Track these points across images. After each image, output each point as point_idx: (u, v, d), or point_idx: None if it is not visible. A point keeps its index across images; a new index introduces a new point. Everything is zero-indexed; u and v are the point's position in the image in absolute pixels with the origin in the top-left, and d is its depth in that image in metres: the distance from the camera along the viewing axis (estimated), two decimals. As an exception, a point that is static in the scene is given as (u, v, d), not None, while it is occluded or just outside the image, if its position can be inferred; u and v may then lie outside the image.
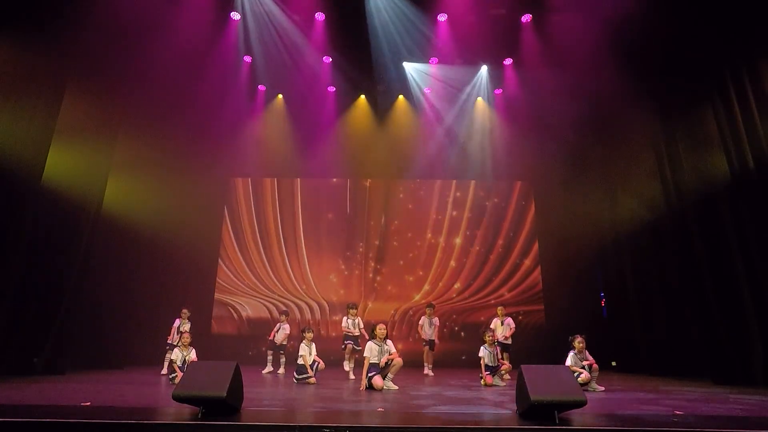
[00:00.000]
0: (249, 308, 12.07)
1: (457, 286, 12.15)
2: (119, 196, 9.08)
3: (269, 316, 11.83)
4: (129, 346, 9.58)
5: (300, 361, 6.77)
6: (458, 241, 12.48)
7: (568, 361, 6.12)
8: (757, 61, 6.79)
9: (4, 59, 6.68)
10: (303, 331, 7.11)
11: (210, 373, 3.62)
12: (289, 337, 8.85)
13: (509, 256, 12.34)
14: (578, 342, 6.20)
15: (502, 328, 8.33)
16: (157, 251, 10.68)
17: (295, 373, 6.79)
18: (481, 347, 6.89)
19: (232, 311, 12.04)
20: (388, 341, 6.29)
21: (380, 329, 6.27)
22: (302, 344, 6.93)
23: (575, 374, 5.78)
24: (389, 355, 6.15)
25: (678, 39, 7.81)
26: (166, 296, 10.78)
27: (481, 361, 6.82)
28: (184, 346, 6.69)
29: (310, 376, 6.68)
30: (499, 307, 8.78)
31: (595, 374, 6.08)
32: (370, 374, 5.99)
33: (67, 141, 7.59)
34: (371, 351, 6.14)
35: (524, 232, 12.51)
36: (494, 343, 7.01)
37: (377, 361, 6.10)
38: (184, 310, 8.49)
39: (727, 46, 7.20)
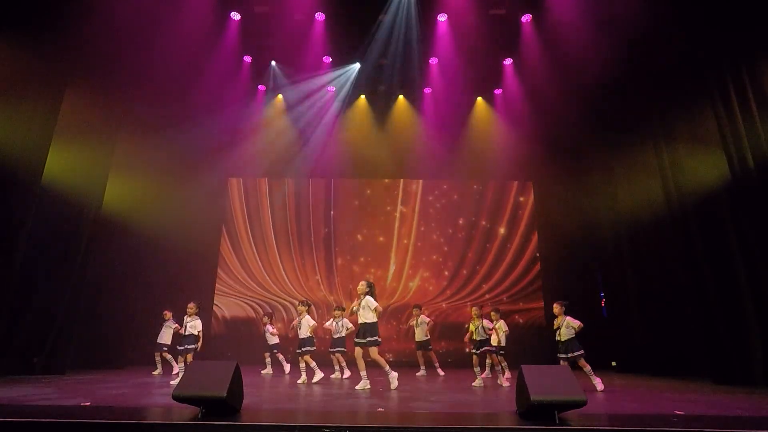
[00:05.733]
0: (249, 308, 12.07)
1: (456, 286, 12.14)
2: (119, 196, 9.09)
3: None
4: (129, 346, 9.58)
5: (301, 334, 6.93)
6: (458, 241, 12.47)
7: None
8: (758, 60, 6.78)
9: (4, 60, 6.68)
10: (299, 305, 7.27)
11: (210, 373, 3.62)
12: (279, 336, 8.90)
13: (509, 256, 12.34)
14: (554, 307, 6.32)
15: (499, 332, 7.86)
16: (157, 251, 10.68)
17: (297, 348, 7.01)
18: (470, 322, 6.98)
19: (233, 311, 12.04)
20: (368, 297, 5.97)
21: (360, 285, 6.06)
22: (297, 318, 7.14)
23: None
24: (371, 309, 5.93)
25: (678, 38, 7.81)
26: (166, 296, 10.76)
27: (467, 335, 6.93)
28: (192, 315, 7.08)
29: (307, 350, 6.89)
30: (492, 311, 8.00)
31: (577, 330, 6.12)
32: (357, 339, 5.95)
33: (67, 141, 7.60)
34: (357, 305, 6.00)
35: (524, 231, 12.51)
36: (480, 317, 7.00)
37: (364, 321, 5.91)
38: (166, 312, 8.53)
39: (728, 45, 7.19)
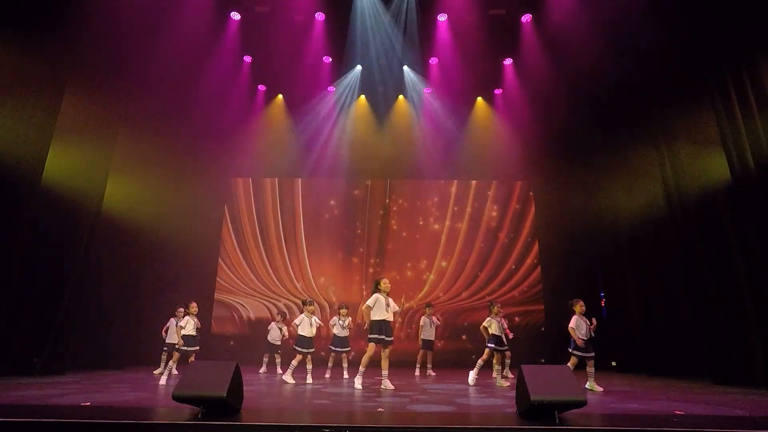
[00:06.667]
0: (249, 308, 12.06)
1: (457, 286, 12.14)
2: (119, 196, 9.09)
3: (269, 316, 11.83)
4: (129, 346, 9.58)
5: (299, 331, 6.80)
6: (458, 241, 12.48)
7: (572, 323, 6.15)
8: (758, 61, 6.78)
9: (3, 59, 6.68)
10: (304, 303, 7.08)
11: (210, 373, 3.62)
12: (283, 337, 8.91)
13: (509, 256, 12.34)
14: (580, 306, 6.25)
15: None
16: (157, 251, 10.68)
17: (294, 345, 6.86)
18: (488, 317, 6.78)
19: (232, 311, 12.04)
20: (390, 299, 6.03)
21: (385, 283, 6.00)
22: (301, 315, 6.96)
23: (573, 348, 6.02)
24: (396, 313, 6.03)
25: (678, 39, 7.81)
26: (166, 296, 10.77)
27: (485, 332, 6.67)
28: (193, 315, 6.87)
29: (307, 351, 6.74)
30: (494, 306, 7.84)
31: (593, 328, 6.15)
32: (378, 336, 5.74)
33: (67, 141, 7.60)
34: (378, 301, 5.86)
35: (524, 232, 12.51)
36: (500, 314, 6.93)
37: (385, 317, 5.82)
38: (180, 309, 8.45)
39: (728, 45, 7.20)
